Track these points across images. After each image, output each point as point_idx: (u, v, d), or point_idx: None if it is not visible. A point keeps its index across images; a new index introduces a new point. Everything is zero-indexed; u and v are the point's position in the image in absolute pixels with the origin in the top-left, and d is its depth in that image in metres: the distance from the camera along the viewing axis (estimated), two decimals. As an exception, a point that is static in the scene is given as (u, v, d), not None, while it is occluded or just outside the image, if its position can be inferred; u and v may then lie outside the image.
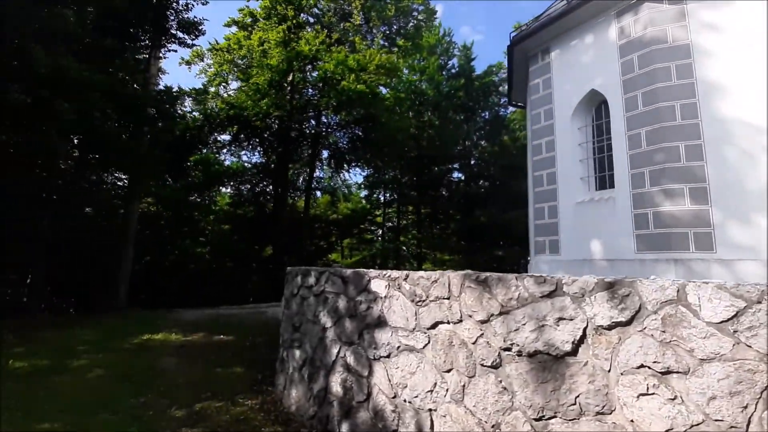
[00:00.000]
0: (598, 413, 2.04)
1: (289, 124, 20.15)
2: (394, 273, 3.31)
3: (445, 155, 30.22)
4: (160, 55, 11.00)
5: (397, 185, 27.85)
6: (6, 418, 4.01)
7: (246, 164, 27.49)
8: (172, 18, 10.85)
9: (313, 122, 20.08)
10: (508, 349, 2.39)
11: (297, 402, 4.06)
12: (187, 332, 7.85)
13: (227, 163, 27.23)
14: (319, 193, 31.50)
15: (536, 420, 2.22)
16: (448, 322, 2.76)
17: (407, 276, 3.15)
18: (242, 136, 22.52)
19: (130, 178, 8.60)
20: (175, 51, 12.15)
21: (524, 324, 2.33)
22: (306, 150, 22.44)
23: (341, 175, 23.83)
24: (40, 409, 4.23)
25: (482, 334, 2.54)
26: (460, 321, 2.68)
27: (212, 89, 22.24)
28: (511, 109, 33.98)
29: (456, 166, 32.92)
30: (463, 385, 2.59)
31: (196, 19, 12.69)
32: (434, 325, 2.85)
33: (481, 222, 29.48)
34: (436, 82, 28.63)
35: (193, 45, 13.73)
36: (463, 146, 31.86)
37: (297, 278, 4.64)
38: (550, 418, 2.17)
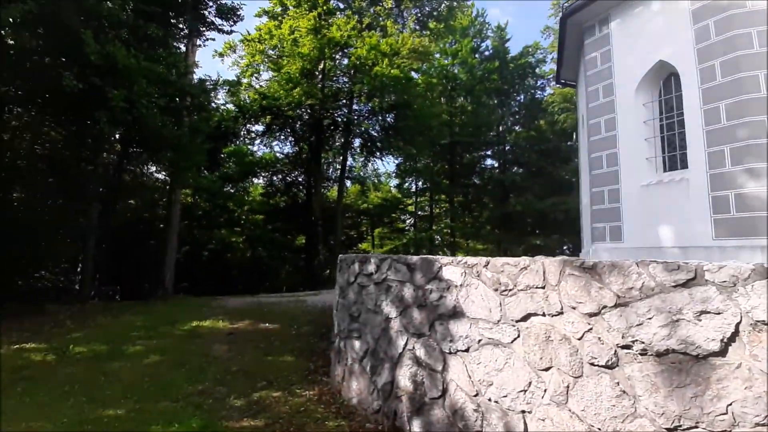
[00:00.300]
0: (758, 424, 1.68)
1: (321, 112, 20.01)
2: (471, 259, 3.01)
3: (479, 141, 29.40)
4: (198, 43, 11.00)
5: (429, 173, 27.31)
6: (72, 403, 4.05)
7: (278, 155, 27.75)
8: (210, 4, 10.79)
9: (344, 110, 19.79)
10: (628, 347, 2.06)
11: (358, 395, 3.88)
12: (233, 320, 7.88)
13: (259, 154, 27.62)
14: (349, 183, 31.45)
15: (670, 429, 1.88)
16: (544, 314, 2.44)
17: (488, 263, 2.85)
18: (275, 126, 22.61)
19: (173, 168, 8.67)
20: (213, 39, 12.03)
21: (650, 318, 1.98)
22: (338, 138, 22.30)
23: (373, 163, 23.54)
24: (102, 395, 4.25)
25: (590, 328, 2.21)
26: (560, 313, 2.36)
27: (245, 80, 22.37)
28: (548, 91, 32.57)
29: (489, 152, 32.04)
30: (567, 386, 2.27)
31: (234, 4, 12.55)
32: (525, 317, 2.54)
33: (517, 210, 28.57)
34: (470, 66, 27.68)
35: (231, 32, 13.64)
36: (497, 132, 30.88)
37: (354, 266, 4.42)
38: (690, 429, 1.83)
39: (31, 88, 8.06)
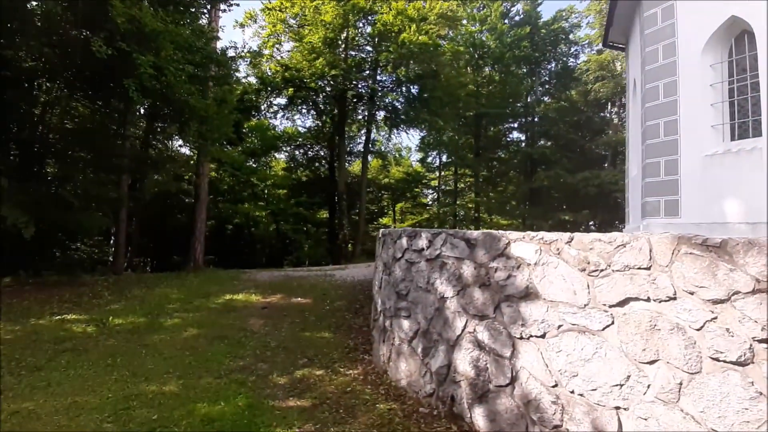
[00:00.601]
0: None
1: (344, 84, 19.44)
2: (549, 235, 2.66)
3: (506, 113, 28.26)
4: (223, 8, 10.56)
5: (454, 147, 26.50)
6: (116, 377, 4.00)
7: (300, 128, 27.43)
8: (233, -33, 10.30)
9: (368, 81, 19.14)
10: (770, 342, 1.70)
11: (408, 377, 3.67)
12: (265, 293, 7.82)
13: (281, 128, 27.33)
14: (370, 157, 30.95)
15: (829, 444, 1.55)
16: (648, 299, 2.09)
17: (572, 239, 2.49)
18: (297, 99, 22.16)
19: (201, 140, 8.48)
20: (238, 4, 11.42)
21: (806, 308, 1.62)
22: (361, 111, 21.75)
23: (397, 136, 22.87)
24: (145, 369, 4.19)
25: (715, 318, 1.86)
26: (672, 299, 2.00)
27: (266, 51, 21.83)
28: (582, 58, 30.84)
29: (516, 125, 30.84)
30: (680, 383, 1.95)
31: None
32: (623, 302, 2.20)
33: (544, 185, 27.70)
34: (499, 32, 26.24)
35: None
36: (525, 103, 29.52)
37: (401, 241, 4.13)
38: None
39: (59, 59, 7.92)
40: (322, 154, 26.78)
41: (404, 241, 4.03)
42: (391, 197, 35.01)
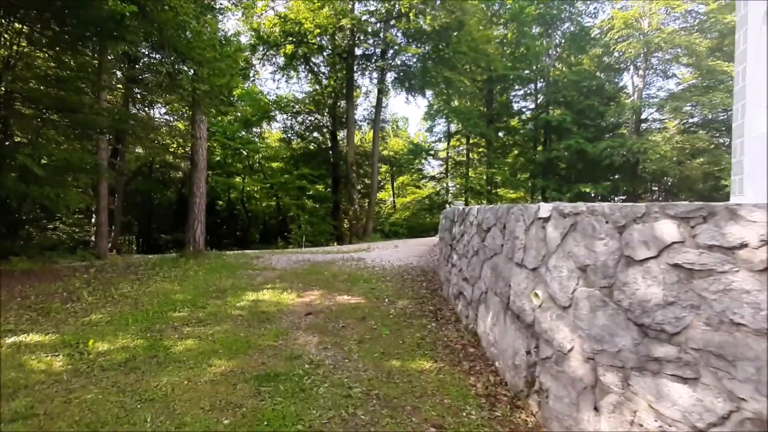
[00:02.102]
0: None
1: (352, 39, 17.04)
2: None
3: (524, 77, 26.07)
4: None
5: (466, 113, 24.35)
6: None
7: (298, 94, 24.95)
8: None
9: (380, 36, 16.73)
10: None
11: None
12: (296, 288, 6.01)
13: (273, 95, 24.72)
14: (366, 127, 28.67)
15: None
16: None
17: None
18: (297, 58, 19.64)
19: (200, 84, 6.38)
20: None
21: None
22: (371, 72, 19.39)
23: (412, 101, 20.56)
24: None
25: None
26: None
27: (261, 2, 19.12)
28: (601, 17, 28.47)
29: (530, 90, 28.68)
30: None
31: None
32: None
33: (560, 155, 25.97)
34: (517, -15, 23.76)
35: None
36: (537, 67, 27.16)
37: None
38: None
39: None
40: (324, 122, 24.46)
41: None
42: (390, 170, 32.98)
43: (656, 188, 27.76)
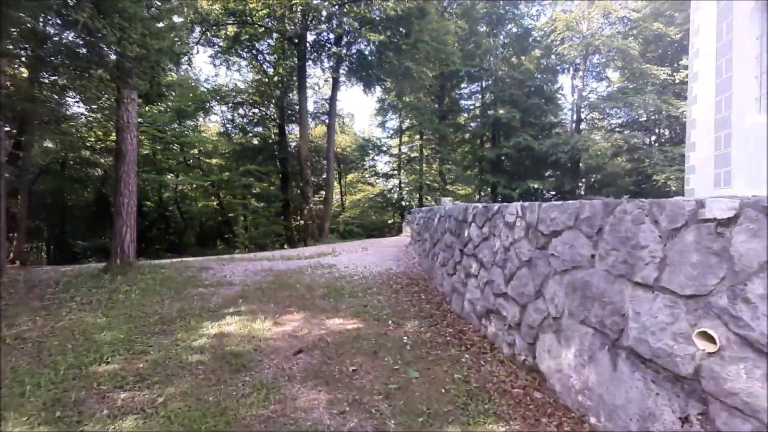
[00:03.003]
0: None
1: (303, 23, 15.55)
2: None
3: (471, 74, 26.07)
4: None
5: (419, 109, 23.76)
6: None
7: (240, 83, 22.79)
8: None
9: (336, 21, 15.43)
10: None
11: None
12: (268, 311, 4.72)
13: (211, 85, 22.27)
14: (316, 121, 27.16)
15: None
16: None
17: None
18: (241, 43, 17.65)
19: (131, 48, 4.77)
20: None
21: None
22: (325, 60, 17.98)
23: (367, 91, 19.44)
24: None
25: None
26: None
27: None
28: (543, 19, 29.40)
29: (477, 87, 28.91)
30: None
31: None
32: None
33: (509, 152, 26.32)
34: (469, -20, 23.59)
35: None
36: (484, 65, 27.37)
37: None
38: None
39: None
40: (270, 114, 22.54)
41: None
42: (338, 167, 31.65)
43: (594, 184, 29.21)
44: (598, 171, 28.31)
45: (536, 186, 24.94)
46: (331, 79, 18.21)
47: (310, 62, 17.71)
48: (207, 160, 23.40)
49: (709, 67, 10.13)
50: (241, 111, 24.03)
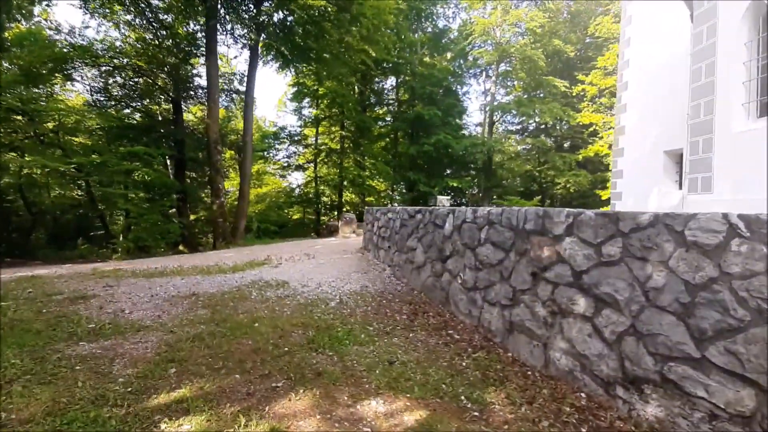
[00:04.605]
0: None
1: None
2: None
3: (397, 65, 25.04)
4: None
5: (341, 97, 21.77)
6: None
7: (119, 42, 18.08)
8: None
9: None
10: None
11: None
12: (237, 400, 2.63)
13: (70, 39, 17.15)
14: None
15: None
16: None
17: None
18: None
19: None
20: None
21: None
22: (238, 28, 14.86)
23: (288, 72, 16.83)
24: None
25: None
26: None
27: None
28: (458, 21, 29.86)
29: (394, 83, 28.13)
30: None
31: None
32: None
33: (429, 149, 25.95)
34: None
35: None
36: (406, 58, 26.72)
37: None
38: None
39: None
40: (163, 85, 18.30)
41: None
42: (237, 156, 27.84)
43: (506, 184, 30.71)
44: (508, 173, 29.94)
45: (455, 184, 25.06)
46: (244, 52, 15.20)
47: (218, 27, 14.51)
48: (70, 138, 18.06)
49: (639, 77, 10.46)
50: (119, 78, 19.17)
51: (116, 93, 19.57)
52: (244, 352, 3.32)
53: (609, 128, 22.90)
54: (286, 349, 3.43)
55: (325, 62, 14.19)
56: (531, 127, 29.84)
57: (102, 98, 19.59)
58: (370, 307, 4.80)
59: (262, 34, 14.10)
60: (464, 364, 3.26)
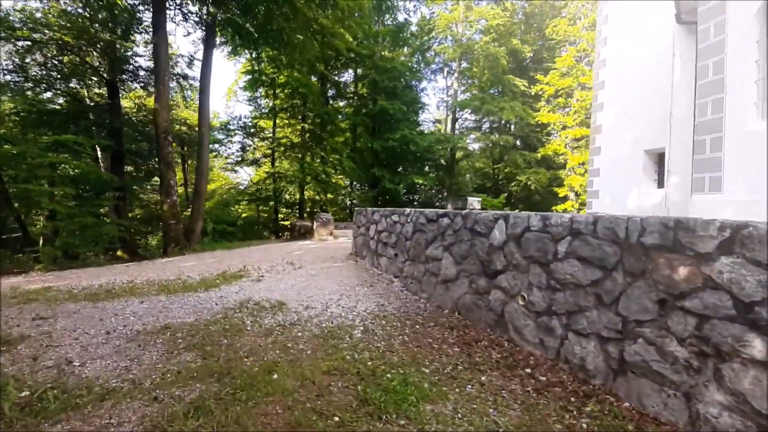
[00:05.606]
0: None
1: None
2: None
3: (360, 55, 23.85)
4: None
5: (303, 87, 20.24)
6: None
7: (42, 15, 15.32)
8: None
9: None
10: None
11: None
12: None
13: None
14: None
15: None
16: None
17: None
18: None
19: None
20: None
21: None
22: (190, 3, 12.94)
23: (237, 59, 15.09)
24: None
25: None
26: None
27: None
28: (418, 15, 29.33)
29: (356, 75, 26.95)
30: None
31: None
32: None
33: (394, 145, 25.13)
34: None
35: None
36: (369, 50, 25.70)
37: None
38: None
39: None
40: (96, 64, 15.77)
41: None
42: (182, 149, 25.31)
43: (460, 181, 30.74)
44: (470, 170, 30.01)
45: (419, 181, 24.52)
46: (198, 31, 13.37)
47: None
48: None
49: (617, 76, 10.38)
50: (38, 56, 16.30)
51: (35, 73, 16.67)
52: (279, 431, 2.26)
53: (563, 128, 23.59)
54: (337, 418, 2.40)
55: (294, 46, 12.80)
56: (485, 126, 30.01)
57: (17, 78, 16.58)
58: (407, 336, 3.86)
59: (220, 10, 12.41)
60: (584, 426, 2.43)
